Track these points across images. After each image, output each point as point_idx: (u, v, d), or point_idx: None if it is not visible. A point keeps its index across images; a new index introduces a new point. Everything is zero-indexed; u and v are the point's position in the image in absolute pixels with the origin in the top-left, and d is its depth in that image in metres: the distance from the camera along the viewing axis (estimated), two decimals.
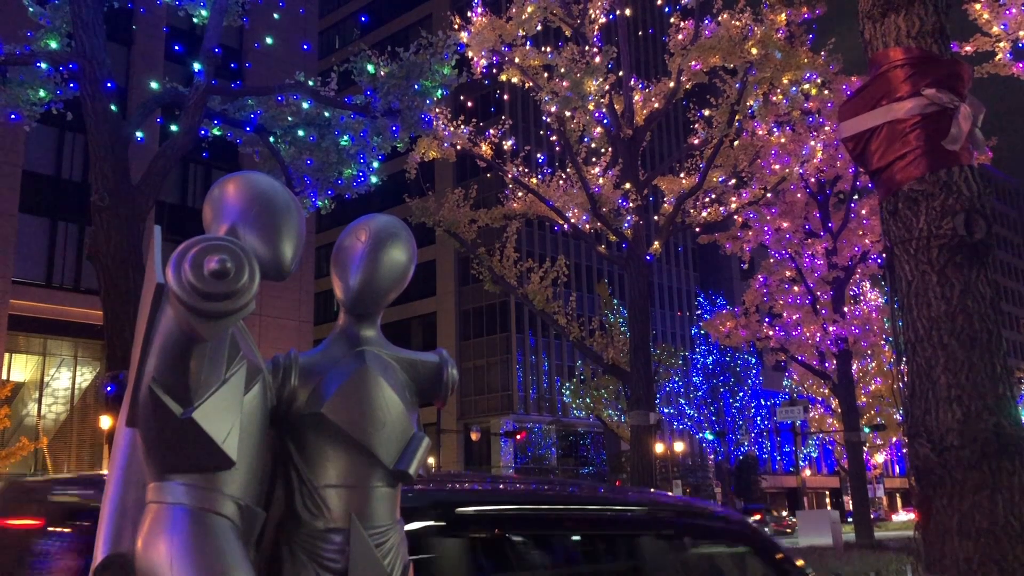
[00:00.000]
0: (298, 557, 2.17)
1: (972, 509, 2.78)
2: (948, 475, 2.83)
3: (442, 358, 2.45)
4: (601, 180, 16.26)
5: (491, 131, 16.99)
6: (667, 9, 18.87)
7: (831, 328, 21.55)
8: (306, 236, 2.29)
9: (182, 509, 1.90)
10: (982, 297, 2.95)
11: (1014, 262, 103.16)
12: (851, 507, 24.86)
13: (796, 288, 22.88)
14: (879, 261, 22.72)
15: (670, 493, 3.83)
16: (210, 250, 1.74)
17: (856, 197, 22.28)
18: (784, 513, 54.99)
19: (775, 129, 16.94)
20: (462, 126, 16.70)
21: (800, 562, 3.59)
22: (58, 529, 3.11)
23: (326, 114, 11.73)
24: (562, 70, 14.71)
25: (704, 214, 17.21)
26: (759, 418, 55.18)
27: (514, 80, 16.26)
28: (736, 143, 16.47)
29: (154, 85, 12.47)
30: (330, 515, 2.17)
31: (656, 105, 16.36)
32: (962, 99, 3.07)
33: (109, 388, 8.87)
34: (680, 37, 15.78)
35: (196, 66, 10.39)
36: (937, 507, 2.86)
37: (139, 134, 10.53)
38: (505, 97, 39.05)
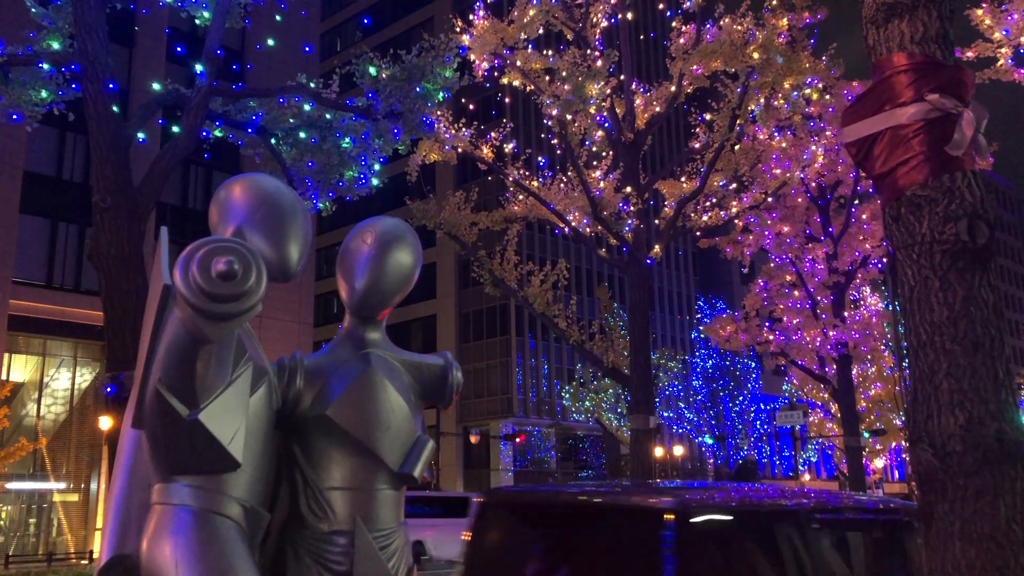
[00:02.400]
0: (302, 559, 2.17)
1: (974, 515, 2.77)
2: (950, 481, 2.83)
3: (447, 361, 2.46)
4: (602, 184, 16.27)
5: (492, 134, 17.00)
6: (669, 13, 18.90)
7: (831, 333, 21.54)
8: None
9: (187, 511, 1.90)
10: (985, 302, 2.95)
11: (1015, 268, 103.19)
12: None
13: (796, 292, 22.86)
14: (879, 266, 22.73)
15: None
16: (217, 252, 1.74)
17: (857, 202, 22.27)
18: None
19: (776, 133, 16.94)
20: (463, 129, 16.72)
21: None
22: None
23: (327, 116, 11.74)
24: (564, 73, 14.71)
25: (705, 218, 17.22)
26: (759, 422, 55.11)
27: (515, 83, 16.27)
28: (737, 147, 16.48)
29: (156, 86, 12.49)
30: (335, 517, 2.18)
31: (657, 109, 16.37)
32: (965, 105, 3.07)
33: (109, 389, 8.83)
34: (682, 41, 15.79)
35: (198, 67, 10.41)
36: (939, 513, 2.85)
37: (140, 135, 10.54)
38: (506, 100, 39.06)
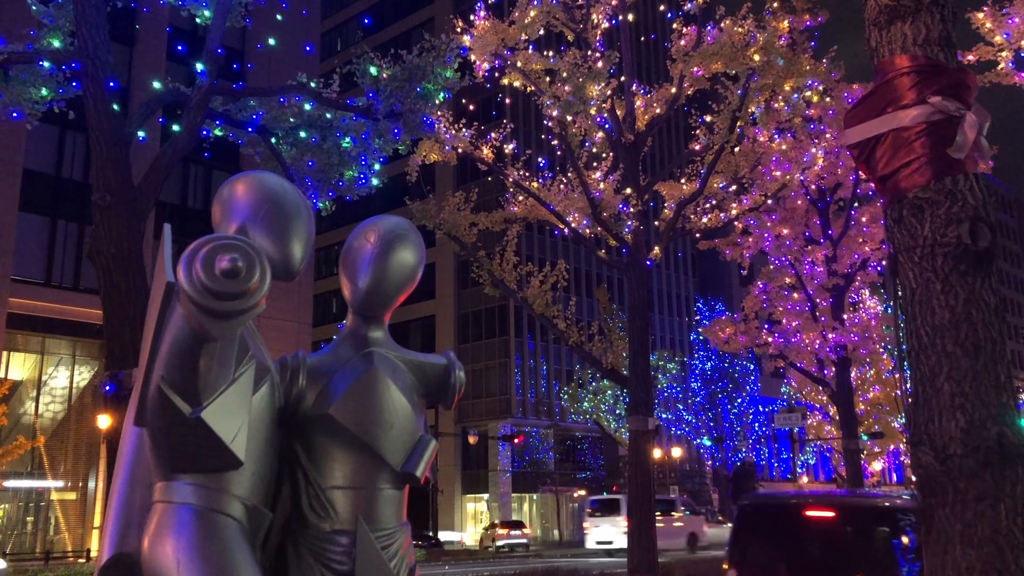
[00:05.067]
0: (304, 558, 2.17)
1: (975, 518, 2.78)
2: (951, 484, 2.83)
3: (450, 360, 2.45)
4: (602, 185, 16.26)
5: (492, 135, 16.98)
6: (670, 15, 18.90)
7: (830, 335, 21.54)
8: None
9: (189, 509, 1.90)
10: (986, 306, 2.95)
11: (1015, 272, 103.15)
12: None
13: (795, 295, 22.86)
14: (879, 269, 22.73)
15: None
16: (221, 249, 1.74)
17: (856, 205, 22.28)
18: None
19: (776, 136, 16.93)
20: (463, 129, 16.69)
21: None
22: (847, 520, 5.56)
23: (328, 116, 11.73)
24: (564, 74, 14.71)
25: (704, 220, 17.20)
26: (757, 424, 55.14)
27: (516, 84, 16.26)
28: (737, 149, 16.46)
29: (156, 85, 12.47)
30: (336, 517, 2.17)
31: (658, 110, 16.36)
32: (968, 107, 3.07)
33: (108, 387, 8.82)
34: (682, 43, 15.78)
35: (199, 66, 10.40)
36: (939, 516, 2.86)
37: (141, 134, 10.53)
38: (507, 101, 39.02)
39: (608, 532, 31.98)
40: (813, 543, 6.17)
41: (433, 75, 11.30)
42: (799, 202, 21.94)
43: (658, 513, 31.85)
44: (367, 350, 2.33)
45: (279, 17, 27.88)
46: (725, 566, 7.03)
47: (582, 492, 54.76)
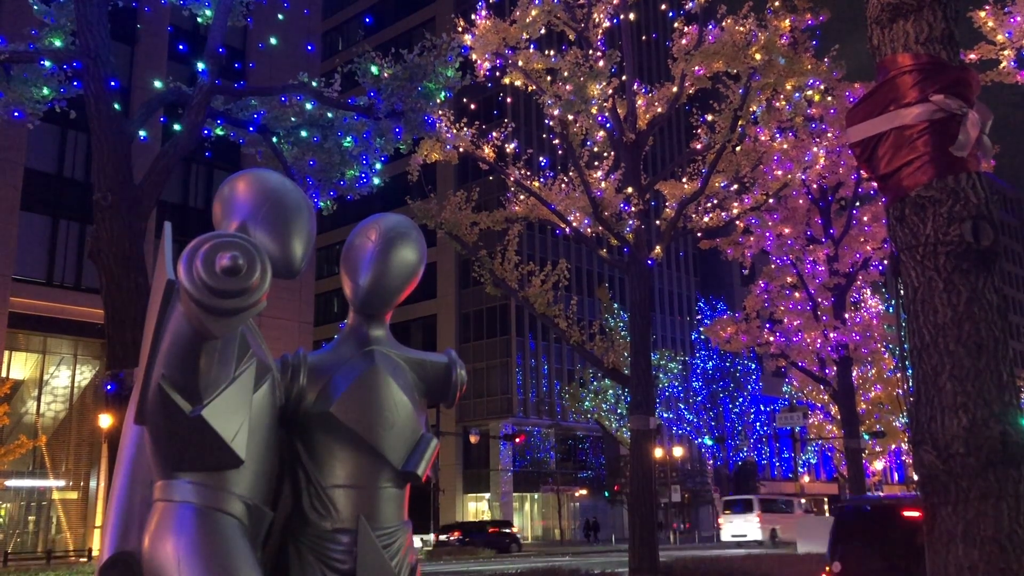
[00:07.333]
0: (305, 557, 2.16)
1: (977, 517, 2.77)
2: (953, 483, 2.82)
3: (451, 359, 2.45)
4: (603, 184, 16.25)
5: (494, 134, 16.97)
6: (671, 14, 18.89)
7: (832, 334, 21.53)
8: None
9: (190, 507, 1.89)
10: (989, 304, 2.94)
11: (1016, 271, 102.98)
12: None
13: (797, 294, 22.85)
14: (880, 268, 22.72)
15: None
16: (222, 247, 1.73)
17: (858, 204, 22.26)
18: None
19: (778, 135, 16.91)
20: (465, 128, 16.68)
21: None
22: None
23: (329, 115, 11.73)
24: (565, 74, 14.70)
25: (706, 219, 17.19)
26: (758, 424, 55.12)
27: (517, 83, 16.26)
28: (739, 148, 16.45)
29: (157, 84, 12.47)
30: (338, 515, 2.17)
31: (659, 110, 16.35)
32: (970, 106, 3.06)
33: (109, 387, 8.81)
34: (684, 42, 15.77)
35: (200, 65, 10.41)
36: (942, 515, 2.85)
37: (142, 133, 10.54)
38: (508, 100, 39.05)
39: (741, 527, 36.02)
40: (909, 541, 6.94)
41: (434, 74, 11.29)
42: (800, 201, 21.93)
43: (780, 513, 36.91)
44: (368, 348, 2.32)
45: (280, 16, 27.88)
46: (827, 569, 8.02)
47: (583, 492, 54.73)
